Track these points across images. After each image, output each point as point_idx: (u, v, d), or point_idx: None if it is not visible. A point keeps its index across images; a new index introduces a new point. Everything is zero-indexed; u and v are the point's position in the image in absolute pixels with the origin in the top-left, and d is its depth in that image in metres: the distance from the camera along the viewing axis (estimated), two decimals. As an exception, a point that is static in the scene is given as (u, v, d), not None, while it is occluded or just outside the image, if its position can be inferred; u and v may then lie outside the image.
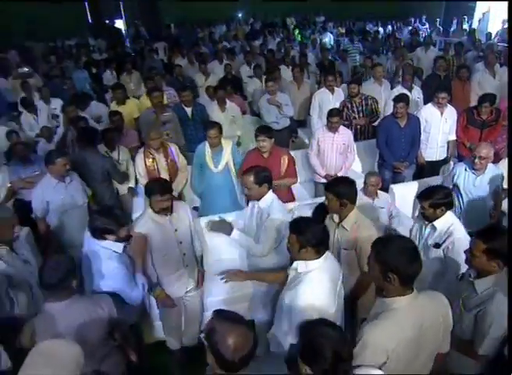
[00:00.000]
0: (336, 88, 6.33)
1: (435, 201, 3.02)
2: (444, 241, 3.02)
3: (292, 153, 5.81)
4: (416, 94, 6.17)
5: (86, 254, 2.85)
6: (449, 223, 3.06)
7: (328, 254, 2.47)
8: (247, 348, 1.65)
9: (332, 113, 4.83)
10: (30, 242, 3.71)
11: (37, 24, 13.97)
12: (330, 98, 6.22)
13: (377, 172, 4.75)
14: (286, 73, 8.35)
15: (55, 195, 3.92)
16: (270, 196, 3.14)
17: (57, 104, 6.90)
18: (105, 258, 2.75)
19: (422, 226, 3.21)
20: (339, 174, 4.92)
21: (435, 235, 3.08)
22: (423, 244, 3.14)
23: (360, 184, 4.84)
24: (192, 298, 3.38)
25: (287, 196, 4.36)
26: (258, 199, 3.14)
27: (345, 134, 4.94)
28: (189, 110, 5.63)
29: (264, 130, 4.22)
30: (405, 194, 4.71)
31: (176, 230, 3.13)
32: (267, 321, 3.12)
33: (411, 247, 2.02)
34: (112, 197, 4.77)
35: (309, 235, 2.35)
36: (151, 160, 4.43)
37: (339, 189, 2.93)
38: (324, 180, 4.97)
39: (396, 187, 4.76)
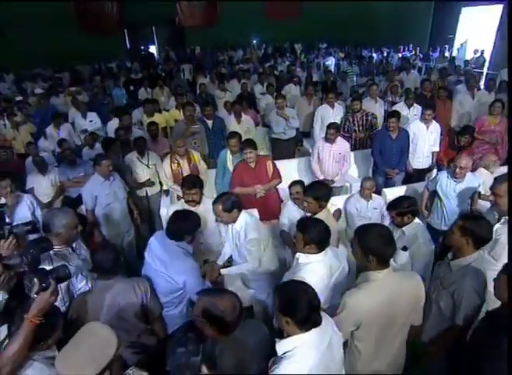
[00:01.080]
0: (335, 104, 6.24)
1: (401, 210, 3.01)
2: (411, 245, 2.99)
3: (297, 160, 5.86)
4: (415, 111, 6.06)
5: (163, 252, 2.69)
6: (416, 229, 3.04)
7: (328, 249, 2.42)
8: (237, 309, 1.73)
9: (329, 126, 4.78)
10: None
11: (85, 49, 14.15)
12: (331, 113, 6.14)
13: (371, 177, 4.67)
14: (294, 90, 8.32)
15: (102, 191, 3.97)
16: (243, 218, 2.89)
17: (93, 117, 6.92)
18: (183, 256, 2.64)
19: (393, 232, 3.16)
20: (336, 179, 4.89)
21: (403, 239, 3.03)
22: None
23: (356, 188, 4.86)
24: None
25: (275, 195, 4.30)
26: (232, 221, 2.92)
27: (341, 145, 4.86)
28: (210, 122, 5.60)
29: (249, 143, 4.10)
30: (395, 196, 4.60)
31: None
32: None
33: (387, 233, 2.08)
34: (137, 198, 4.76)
35: (313, 234, 2.32)
36: (176, 165, 4.41)
37: (318, 193, 2.93)
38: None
39: (387, 191, 4.68)
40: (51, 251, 2.46)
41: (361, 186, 4.08)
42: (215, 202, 2.84)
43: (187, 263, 2.56)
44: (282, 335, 1.77)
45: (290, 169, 5.58)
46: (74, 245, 2.77)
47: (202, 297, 1.82)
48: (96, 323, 1.85)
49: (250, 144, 4.08)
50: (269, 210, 4.06)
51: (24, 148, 6.50)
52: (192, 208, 3.06)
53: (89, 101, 8.16)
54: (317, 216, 2.86)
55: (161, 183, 4.90)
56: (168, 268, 2.55)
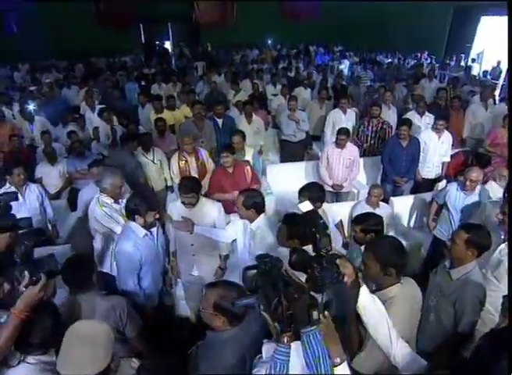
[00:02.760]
0: (348, 109, 6.22)
1: (366, 227, 2.89)
2: None
3: (305, 163, 5.85)
4: (427, 119, 5.97)
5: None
6: None
7: None
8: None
9: (340, 132, 4.76)
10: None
11: (100, 43, 14.28)
12: (342, 118, 6.11)
13: (380, 185, 4.63)
14: (304, 93, 8.29)
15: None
16: (262, 220, 2.86)
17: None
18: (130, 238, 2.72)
19: (350, 248, 3.15)
20: (344, 185, 4.86)
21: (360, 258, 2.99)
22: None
23: (364, 194, 4.84)
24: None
25: None
26: (248, 219, 2.89)
27: (351, 150, 4.84)
28: (220, 121, 5.60)
29: (227, 147, 4.05)
30: (403, 205, 4.64)
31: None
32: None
33: (399, 243, 2.10)
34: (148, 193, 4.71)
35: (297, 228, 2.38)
36: (183, 162, 4.42)
37: (313, 194, 2.95)
38: (331, 189, 4.91)
39: (395, 200, 4.66)
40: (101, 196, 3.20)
41: (369, 193, 4.05)
42: (241, 193, 2.88)
43: None
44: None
45: (298, 172, 5.59)
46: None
47: (211, 289, 1.82)
48: (86, 321, 1.84)
49: (229, 147, 4.03)
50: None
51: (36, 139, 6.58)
52: (186, 210, 3.09)
53: (101, 95, 8.20)
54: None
55: (165, 179, 4.92)
56: None
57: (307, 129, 6.26)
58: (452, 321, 2.33)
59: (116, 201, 3.31)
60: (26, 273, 1.65)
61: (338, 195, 5.00)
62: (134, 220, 2.74)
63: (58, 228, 4.44)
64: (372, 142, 5.69)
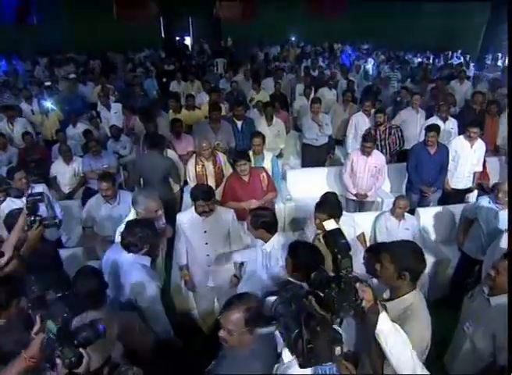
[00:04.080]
0: (372, 113, 6.11)
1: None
2: None
3: (327, 169, 5.80)
4: (450, 125, 5.84)
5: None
6: None
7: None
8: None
9: (366, 139, 4.69)
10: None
11: (120, 37, 14.45)
12: (366, 122, 6.03)
13: (406, 196, 4.51)
14: (328, 94, 8.23)
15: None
16: (275, 240, 2.80)
17: (117, 108, 7.03)
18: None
19: None
20: (369, 194, 4.79)
21: None
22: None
23: (388, 204, 4.76)
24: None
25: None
26: (262, 239, 2.84)
27: (378, 158, 4.76)
28: (239, 123, 5.58)
29: (243, 155, 3.97)
30: (430, 217, 4.52)
31: (205, 232, 3.12)
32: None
33: (419, 249, 2.09)
34: (170, 195, 4.74)
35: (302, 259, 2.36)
36: (200, 166, 4.41)
37: (333, 209, 2.98)
38: (354, 198, 4.87)
39: (422, 211, 4.55)
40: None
41: (394, 204, 3.99)
42: (250, 211, 2.86)
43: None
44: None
45: (320, 178, 5.55)
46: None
47: (238, 304, 1.74)
48: None
49: (245, 155, 3.98)
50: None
51: (51, 135, 6.74)
52: (200, 219, 3.08)
53: (118, 91, 8.32)
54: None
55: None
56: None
57: (330, 133, 6.21)
58: (490, 351, 2.26)
59: None
60: (37, 318, 1.58)
61: (361, 204, 4.94)
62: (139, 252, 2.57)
63: (70, 229, 4.53)
64: (384, 151, 5.56)
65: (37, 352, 1.55)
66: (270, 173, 4.47)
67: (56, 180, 5.26)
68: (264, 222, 2.74)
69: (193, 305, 3.57)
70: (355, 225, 3.69)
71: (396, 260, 2.02)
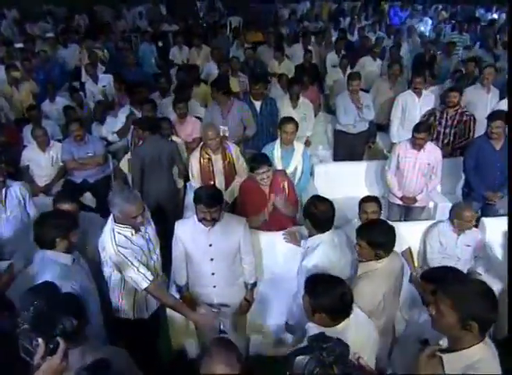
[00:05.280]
0: (424, 92, 6.03)
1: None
2: None
3: (366, 163, 5.76)
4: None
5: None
6: None
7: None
8: None
9: (418, 128, 4.58)
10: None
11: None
12: (416, 103, 5.97)
13: (470, 204, 4.40)
14: (370, 65, 8.13)
15: None
16: (318, 239, 3.01)
17: (106, 80, 7.13)
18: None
19: None
20: (418, 198, 4.76)
21: None
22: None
23: (442, 209, 4.70)
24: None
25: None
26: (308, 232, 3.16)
27: (431, 153, 4.68)
28: (258, 104, 5.54)
29: (263, 159, 3.86)
30: (498, 230, 4.39)
31: (210, 246, 3.11)
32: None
33: (490, 291, 2.00)
34: (172, 191, 4.88)
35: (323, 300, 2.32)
36: (206, 161, 4.37)
37: (376, 238, 2.83)
38: (400, 202, 4.84)
39: (487, 222, 4.49)
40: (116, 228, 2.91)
41: (454, 214, 3.93)
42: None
43: None
44: None
45: (356, 175, 5.54)
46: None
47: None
48: None
49: (265, 159, 3.88)
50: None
51: (23, 112, 6.79)
52: (205, 230, 3.08)
53: (108, 58, 8.38)
54: (369, 267, 2.84)
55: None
56: None
57: (372, 118, 6.14)
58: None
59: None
60: (39, 340, 1.60)
61: (408, 210, 4.92)
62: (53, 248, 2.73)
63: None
64: (446, 141, 5.51)
65: None
66: (299, 170, 4.54)
67: (29, 171, 5.33)
68: (312, 213, 2.97)
69: (193, 335, 3.64)
70: (399, 237, 3.67)
71: (460, 307, 1.92)
